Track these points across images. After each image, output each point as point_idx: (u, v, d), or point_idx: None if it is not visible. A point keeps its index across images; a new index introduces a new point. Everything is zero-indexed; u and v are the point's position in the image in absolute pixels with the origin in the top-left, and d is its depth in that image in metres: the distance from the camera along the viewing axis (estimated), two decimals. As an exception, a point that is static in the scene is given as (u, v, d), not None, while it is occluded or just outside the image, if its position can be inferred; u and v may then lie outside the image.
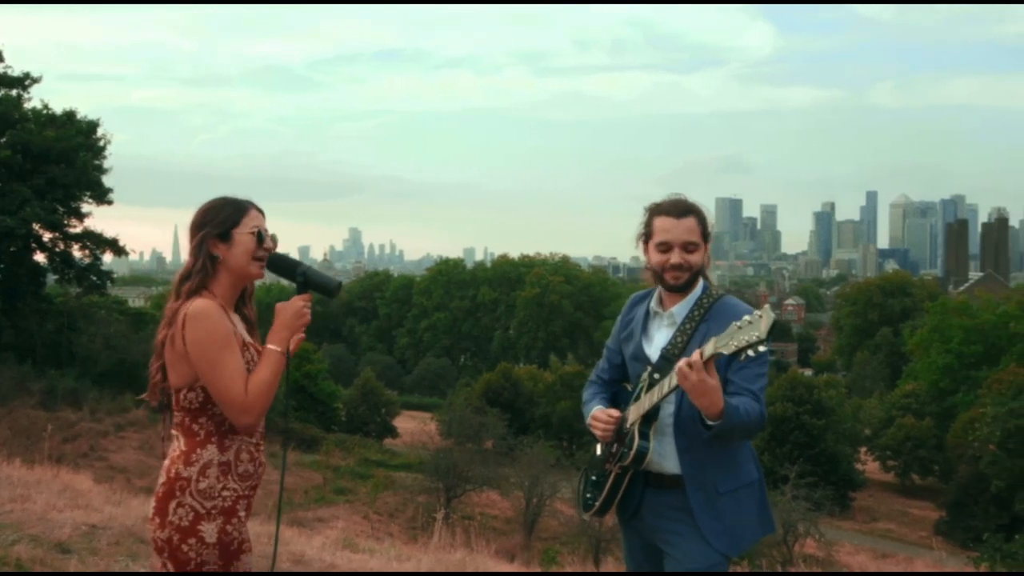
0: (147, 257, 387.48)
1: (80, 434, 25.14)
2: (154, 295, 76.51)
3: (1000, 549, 16.86)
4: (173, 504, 2.77)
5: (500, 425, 34.69)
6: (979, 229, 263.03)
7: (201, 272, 2.88)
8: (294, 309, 2.92)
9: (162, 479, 2.83)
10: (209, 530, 2.77)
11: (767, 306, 2.89)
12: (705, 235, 3.32)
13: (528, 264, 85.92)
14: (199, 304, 2.81)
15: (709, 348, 2.93)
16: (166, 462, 2.86)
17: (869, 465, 41.45)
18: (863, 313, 74.26)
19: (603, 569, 6.30)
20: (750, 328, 2.85)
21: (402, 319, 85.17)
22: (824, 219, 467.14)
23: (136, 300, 67.32)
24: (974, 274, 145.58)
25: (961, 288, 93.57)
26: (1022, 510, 25.28)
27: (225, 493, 2.81)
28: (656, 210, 3.36)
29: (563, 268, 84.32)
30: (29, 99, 31.11)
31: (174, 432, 2.87)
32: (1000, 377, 33.51)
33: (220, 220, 2.90)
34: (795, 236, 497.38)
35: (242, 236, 2.91)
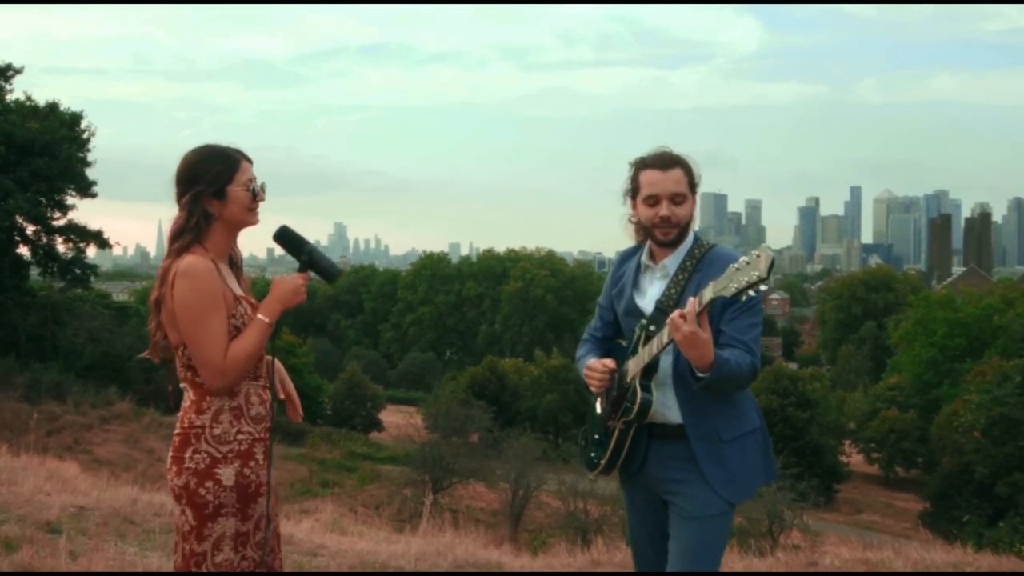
0: (131, 252, 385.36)
1: (64, 427, 24.96)
2: (138, 289, 76.06)
3: (982, 534, 16.93)
4: (189, 451, 2.79)
5: (486, 418, 34.66)
6: (962, 224, 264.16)
7: (195, 229, 2.85)
8: (293, 286, 2.92)
9: (177, 430, 2.85)
10: (227, 473, 2.79)
11: (764, 245, 2.85)
12: (692, 186, 3.26)
13: (513, 259, 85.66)
14: (189, 261, 2.79)
15: (708, 292, 2.89)
16: (179, 413, 2.86)
17: (853, 458, 41.62)
18: (847, 307, 74.46)
19: (592, 551, 6.29)
20: (748, 268, 2.80)
21: (387, 314, 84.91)
22: (808, 214, 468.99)
23: (120, 295, 66.81)
24: (957, 269, 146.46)
25: (944, 282, 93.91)
26: (1004, 493, 25.48)
27: (240, 436, 2.83)
28: (642, 164, 3.30)
29: (548, 262, 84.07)
30: (11, 90, 30.78)
31: (183, 385, 2.87)
32: (982, 369, 33.68)
33: (212, 177, 2.86)
34: (779, 231, 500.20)
35: (237, 192, 2.89)
